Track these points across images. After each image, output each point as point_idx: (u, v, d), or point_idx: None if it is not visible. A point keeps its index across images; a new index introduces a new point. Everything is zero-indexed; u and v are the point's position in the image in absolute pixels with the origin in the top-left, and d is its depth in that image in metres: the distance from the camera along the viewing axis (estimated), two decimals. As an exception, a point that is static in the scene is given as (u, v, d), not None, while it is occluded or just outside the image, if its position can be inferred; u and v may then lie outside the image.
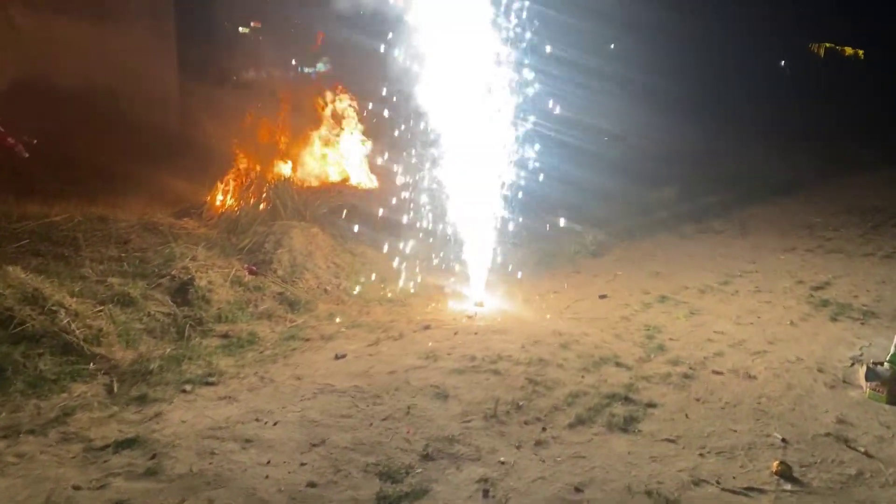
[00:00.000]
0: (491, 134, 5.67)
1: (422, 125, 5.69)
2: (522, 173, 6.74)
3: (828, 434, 3.37)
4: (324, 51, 8.82)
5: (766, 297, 5.45)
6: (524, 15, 5.71)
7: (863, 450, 3.24)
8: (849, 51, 18.87)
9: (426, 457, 3.07)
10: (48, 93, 8.98)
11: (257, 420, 3.34)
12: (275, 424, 3.31)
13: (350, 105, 7.53)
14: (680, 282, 5.85)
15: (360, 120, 7.43)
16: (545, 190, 7.36)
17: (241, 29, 9.78)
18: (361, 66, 7.58)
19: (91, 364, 3.73)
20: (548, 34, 6.73)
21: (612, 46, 11.11)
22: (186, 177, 7.71)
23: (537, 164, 7.12)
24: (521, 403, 3.59)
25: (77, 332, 3.80)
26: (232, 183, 6.79)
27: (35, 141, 3.15)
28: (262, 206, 6.41)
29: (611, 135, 10.48)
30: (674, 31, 13.46)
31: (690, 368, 4.07)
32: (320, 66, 9.05)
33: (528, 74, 5.84)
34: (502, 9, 5.53)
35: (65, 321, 3.82)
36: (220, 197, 6.77)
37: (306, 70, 9.00)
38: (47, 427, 3.19)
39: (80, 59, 9.16)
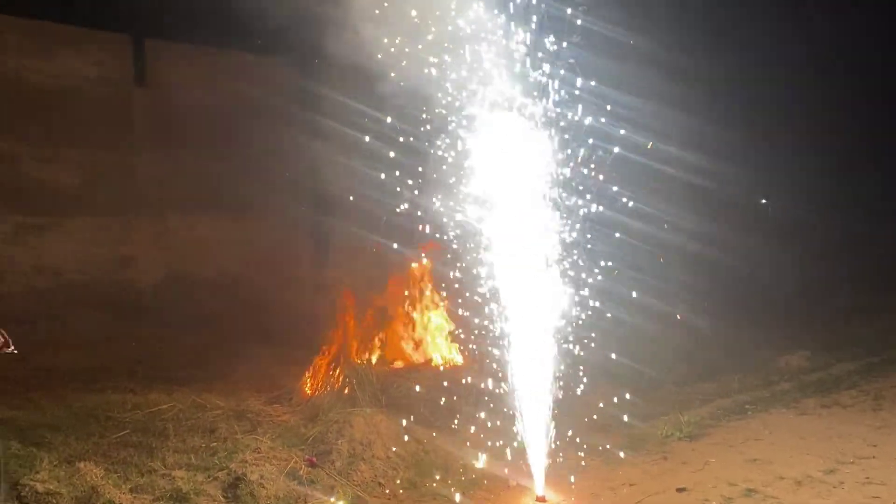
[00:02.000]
0: (569, 298, 5.59)
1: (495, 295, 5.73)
2: (612, 340, 6.51)
3: None
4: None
5: (876, 491, 4.72)
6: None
7: None
8: None
9: None
10: (193, 284, 10.00)
11: None
12: None
13: (435, 291, 7.74)
14: (777, 471, 5.22)
15: (445, 299, 7.59)
16: (643, 357, 7.04)
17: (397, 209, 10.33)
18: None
19: (123, 567, 3.87)
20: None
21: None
22: (300, 362, 8.11)
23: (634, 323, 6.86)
24: None
25: (116, 533, 3.99)
26: (322, 367, 7.08)
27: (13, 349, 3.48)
28: (345, 392, 6.60)
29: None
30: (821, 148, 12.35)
31: (749, 588, 3.55)
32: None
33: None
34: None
35: (108, 521, 4.03)
36: (309, 381, 7.05)
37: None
38: None
39: (222, 254, 10.21)
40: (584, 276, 5.57)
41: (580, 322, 5.55)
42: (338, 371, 6.84)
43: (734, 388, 7.51)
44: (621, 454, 5.71)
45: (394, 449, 5.39)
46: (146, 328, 9.46)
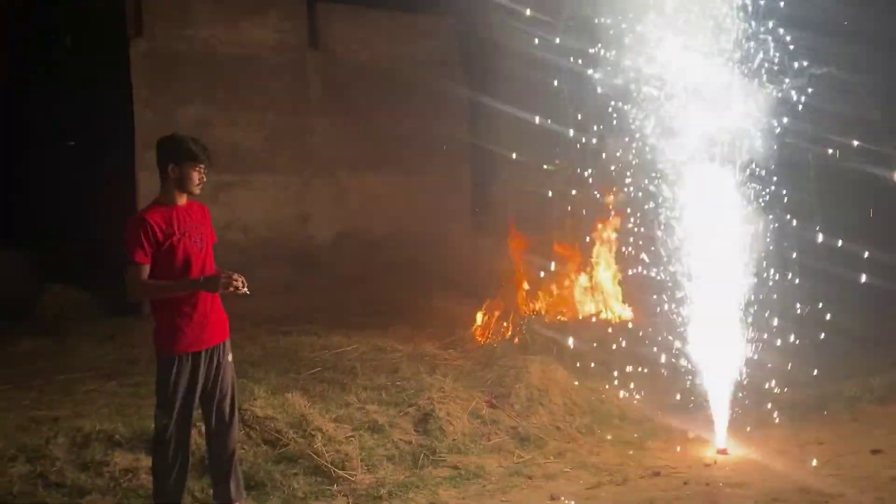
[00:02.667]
0: (750, 249, 5.43)
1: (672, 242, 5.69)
2: (796, 293, 6.25)
3: None
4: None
5: None
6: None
7: None
8: None
9: None
10: (364, 239, 10.56)
11: (457, 555, 3.54)
12: (472, 562, 3.48)
13: (612, 235, 7.72)
14: None
15: (619, 247, 7.54)
16: (824, 314, 6.70)
17: (545, 167, 10.48)
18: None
19: (334, 486, 4.27)
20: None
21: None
22: (467, 311, 8.44)
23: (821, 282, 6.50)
24: (732, 570, 3.31)
25: (327, 455, 4.40)
26: (493, 316, 7.32)
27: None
28: (515, 340, 6.81)
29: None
30: None
31: (964, 550, 3.40)
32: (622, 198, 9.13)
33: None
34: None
35: (319, 445, 4.46)
36: (481, 329, 7.33)
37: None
38: (288, 540, 3.72)
39: (391, 210, 10.68)
40: (774, 217, 5.37)
41: (769, 275, 5.39)
42: (508, 321, 7.07)
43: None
44: (807, 413, 5.54)
45: (570, 396, 5.53)
46: (323, 279, 10.14)
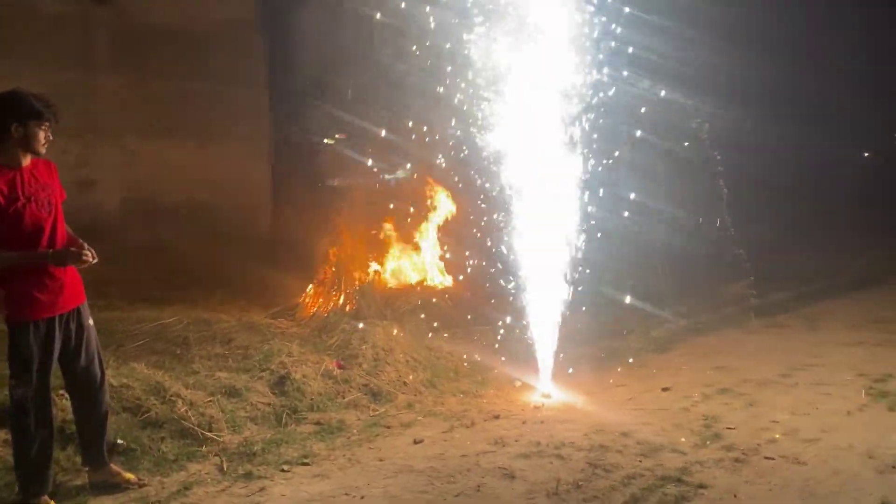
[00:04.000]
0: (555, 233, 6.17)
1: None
2: (589, 272, 7.21)
3: (873, 516, 3.58)
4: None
5: (826, 390, 5.62)
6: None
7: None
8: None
9: (493, 529, 3.45)
10: (156, 208, 10.06)
11: (346, 494, 3.82)
12: (362, 498, 3.78)
13: (429, 206, 8.21)
14: (741, 375, 6.08)
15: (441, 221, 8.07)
16: (612, 287, 7.79)
17: (325, 140, 10.67)
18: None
19: (203, 447, 4.33)
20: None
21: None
22: (279, 280, 8.49)
23: (607, 261, 7.59)
24: (580, 483, 3.95)
25: (192, 418, 4.43)
26: (320, 286, 7.51)
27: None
28: (348, 308, 7.08)
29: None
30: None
31: (743, 454, 4.34)
32: (400, 174, 9.77)
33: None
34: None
35: (182, 409, 4.46)
36: (310, 298, 7.49)
37: (387, 177, 9.70)
38: (170, 499, 3.76)
39: (185, 178, 10.24)
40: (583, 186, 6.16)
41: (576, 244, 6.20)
42: (339, 289, 7.30)
43: (689, 310, 8.38)
44: (605, 363, 6.48)
45: (411, 354, 5.96)
46: (111, 251, 9.48)
